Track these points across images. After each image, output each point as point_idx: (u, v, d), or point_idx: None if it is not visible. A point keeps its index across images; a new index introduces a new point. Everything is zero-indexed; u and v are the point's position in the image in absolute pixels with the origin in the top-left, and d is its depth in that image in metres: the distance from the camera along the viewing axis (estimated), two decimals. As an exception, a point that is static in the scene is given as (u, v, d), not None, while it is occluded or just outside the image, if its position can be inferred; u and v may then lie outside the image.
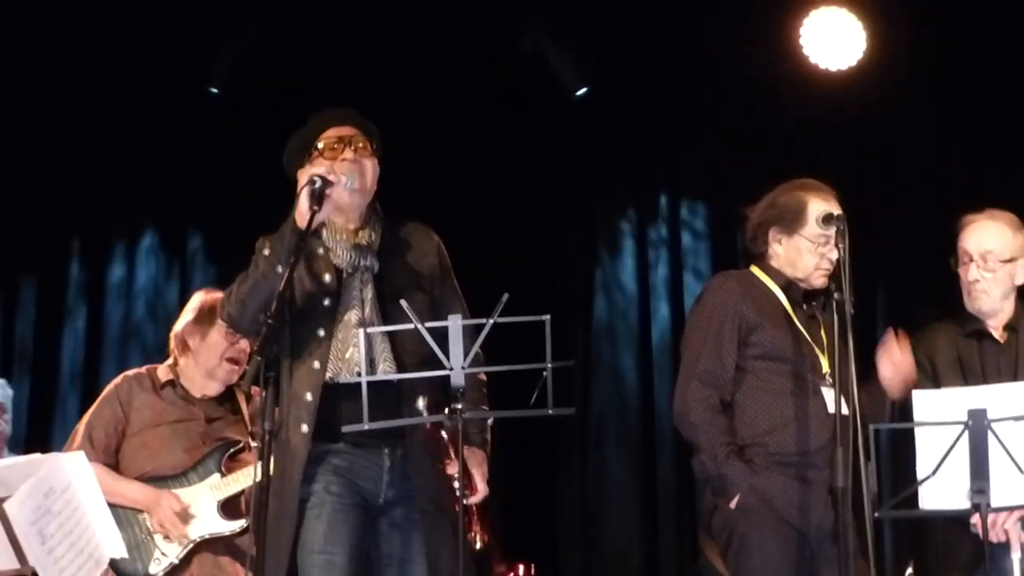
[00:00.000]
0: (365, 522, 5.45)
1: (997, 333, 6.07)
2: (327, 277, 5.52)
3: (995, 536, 5.58)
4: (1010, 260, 6.02)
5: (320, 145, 5.56)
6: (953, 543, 5.88)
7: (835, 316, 5.60)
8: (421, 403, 5.47)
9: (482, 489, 5.51)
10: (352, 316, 5.46)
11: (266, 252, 5.38)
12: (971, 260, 6.01)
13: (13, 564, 5.26)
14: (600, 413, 9.08)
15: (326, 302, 5.49)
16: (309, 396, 5.38)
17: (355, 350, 5.35)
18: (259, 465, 5.16)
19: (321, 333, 5.43)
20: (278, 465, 5.35)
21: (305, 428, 5.37)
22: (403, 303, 5.18)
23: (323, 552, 5.33)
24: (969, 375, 5.92)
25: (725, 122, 9.03)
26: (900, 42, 8.64)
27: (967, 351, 6.06)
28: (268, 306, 5.22)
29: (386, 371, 5.31)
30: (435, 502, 5.49)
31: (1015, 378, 5.72)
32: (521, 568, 6.20)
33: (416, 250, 5.68)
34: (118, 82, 9.03)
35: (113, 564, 5.98)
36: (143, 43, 8.87)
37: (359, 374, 5.18)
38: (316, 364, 5.40)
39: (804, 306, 5.94)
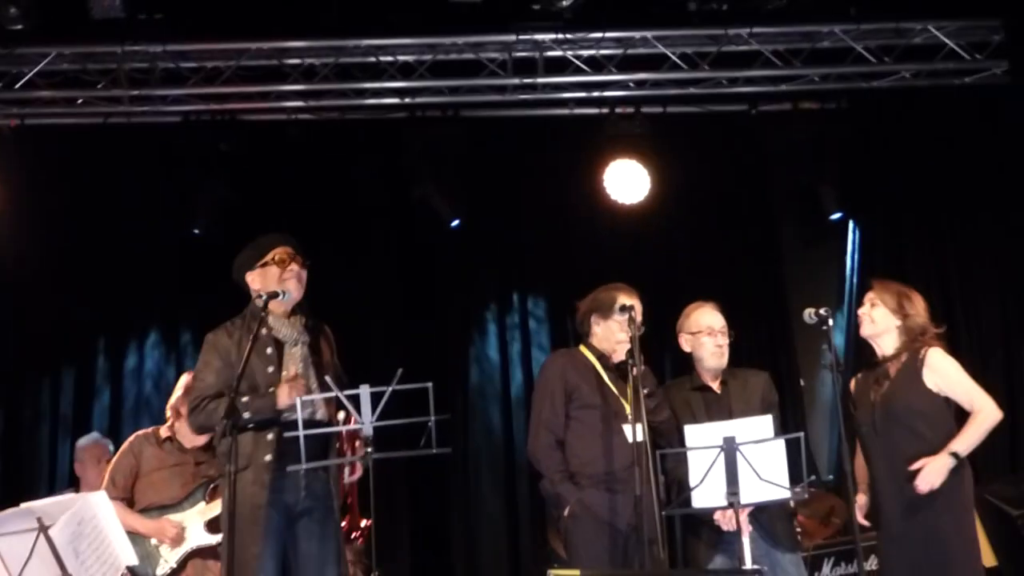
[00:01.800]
0: (286, 526, 5.45)
1: (715, 386, 6.12)
2: (269, 350, 5.52)
3: (730, 525, 5.70)
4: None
5: (274, 258, 5.61)
6: (699, 530, 5.92)
7: (630, 375, 5.81)
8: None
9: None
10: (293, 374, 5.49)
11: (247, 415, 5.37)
12: (713, 332, 6.07)
13: (57, 574, 5.22)
14: (475, 450, 8.98)
15: (270, 369, 5.49)
16: (271, 436, 5.39)
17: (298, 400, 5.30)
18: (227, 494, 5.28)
19: (271, 391, 5.42)
20: (250, 488, 5.34)
21: (269, 458, 5.37)
22: (328, 379, 5.40)
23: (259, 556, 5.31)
24: (698, 415, 5.97)
25: (556, 239, 9.10)
26: (675, 182, 8.81)
27: (695, 399, 6.10)
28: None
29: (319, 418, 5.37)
30: (334, 511, 5.52)
31: (731, 417, 5.77)
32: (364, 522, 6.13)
33: (320, 329, 5.73)
34: (129, 224, 8.97)
35: (131, 569, 5.99)
36: (145, 195, 8.89)
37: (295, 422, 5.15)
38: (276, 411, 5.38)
39: (615, 369, 6.04)
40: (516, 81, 8.59)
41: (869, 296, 6.11)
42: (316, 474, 5.43)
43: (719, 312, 6.18)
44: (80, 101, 8.56)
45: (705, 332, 6.12)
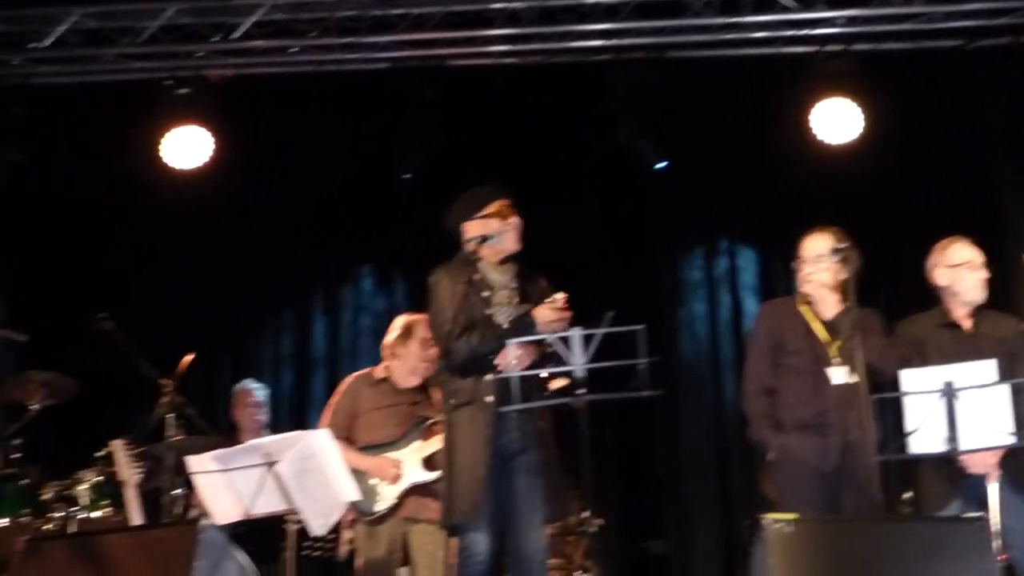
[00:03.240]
0: (501, 465, 5.54)
1: (966, 324, 6.01)
2: (485, 294, 5.68)
3: (976, 469, 5.59)
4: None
5: (492, 209, 5.74)
6: (940, 472, 5.83)
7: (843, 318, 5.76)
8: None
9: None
10: (503, 320, 5.62)
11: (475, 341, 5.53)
12: (974, 266, 6.00)
13: (284, 506, 5.50)
14: (684, 394, 8.95)
15: (486, 311, 5.65)
16: (491, 377, 5.51)
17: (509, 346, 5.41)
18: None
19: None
20: (472, 426, 5.51)
21: (490, 399, 5.50)
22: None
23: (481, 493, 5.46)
24: (947, 354, 5.80)
25: (763, 180, 8.91)
26: (885, 122, 8.50)
27: (944, 336, 5.99)
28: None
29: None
30: (547, 450, 5.65)
31: (980, 357, 5.52)
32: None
33: (534, 280, 5.80)
34: (340, 170, 9.21)
35: (353, 504, 6.21)
36: (357, 142, 9.06)
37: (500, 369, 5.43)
38: (490, 357, 5.51)
39: (824, 313, 6.00)
40: (722, 21, 8.46)
41: None
42: (529, 414, 5.54)
43: (975, 247, 6.09)
44: (294, 50, 8.76)
45: (966, 266, 6.03)
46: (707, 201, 9.22)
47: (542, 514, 5.61)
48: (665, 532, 8.79)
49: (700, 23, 8.52)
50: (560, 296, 5.53)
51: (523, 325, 5.49)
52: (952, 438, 5.25)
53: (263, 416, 7.96)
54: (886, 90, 8.50)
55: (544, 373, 5.50)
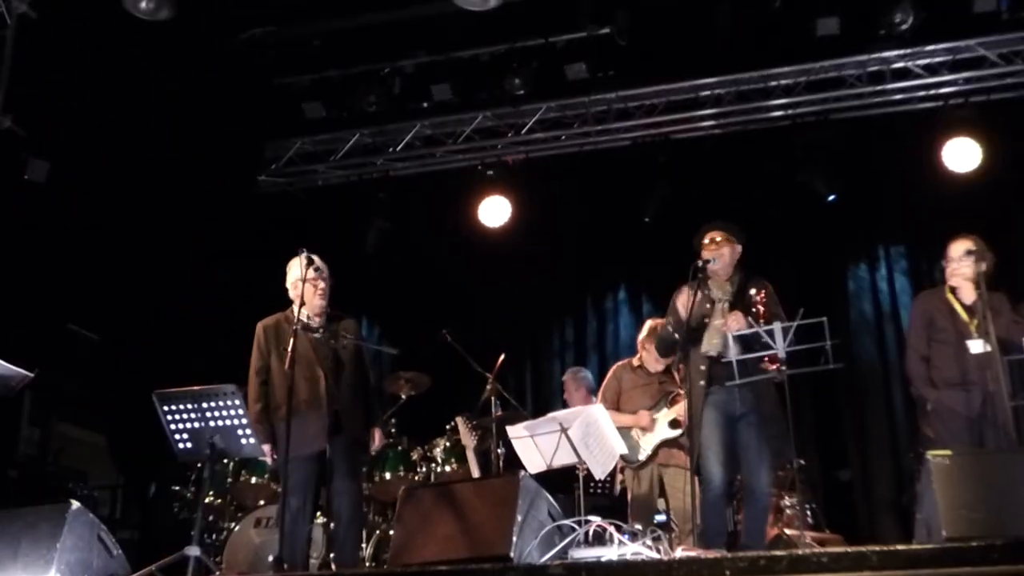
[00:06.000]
0: (728, 424, 5.47)
1: None
2: (708, 306, 5.55)
3: None
4: None
5: (704, 240, 5.64)
6: None
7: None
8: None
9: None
10: (718, 322, 5.49)
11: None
12: None
13: (574, 460, 5.49)
14: (859, 368, 8.45)
15: (705, 320, 5.52)
16: (703, 367, 5.49)
17: (718, 341, 5.41)
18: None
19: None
20: (696, 400, 5.49)
21: (702, 382, 5.48)
22: (749, 318, 5.35)
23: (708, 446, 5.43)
24: None
25: (913, 205, 8.37)
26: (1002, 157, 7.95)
27: None
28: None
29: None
30: (766, 411, 5.49)
31: None
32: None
33: (754, 293, 5.52)
34: (604, 218, 9.09)
35: (623, 456, 6.19)
36: (613, 198, 8.98)
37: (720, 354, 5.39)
38: (704, 348, 5.48)
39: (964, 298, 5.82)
40: (870, 89, 8.20)
41: None
42: (748, 387, 5.40)
43: None
44: (563, 138, 8.93)
45: None
46: (868, 223, 8.78)
47: (767, 457, 5.46)
48: (850, 463, 8.45)
49: (854, 92, 8.33)
50: (763, 290, 5.45)
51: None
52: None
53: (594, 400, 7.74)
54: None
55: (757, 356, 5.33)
